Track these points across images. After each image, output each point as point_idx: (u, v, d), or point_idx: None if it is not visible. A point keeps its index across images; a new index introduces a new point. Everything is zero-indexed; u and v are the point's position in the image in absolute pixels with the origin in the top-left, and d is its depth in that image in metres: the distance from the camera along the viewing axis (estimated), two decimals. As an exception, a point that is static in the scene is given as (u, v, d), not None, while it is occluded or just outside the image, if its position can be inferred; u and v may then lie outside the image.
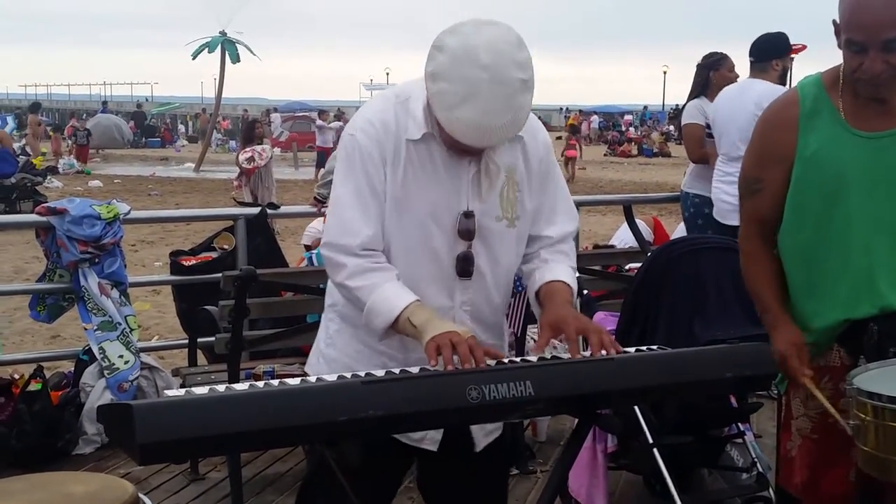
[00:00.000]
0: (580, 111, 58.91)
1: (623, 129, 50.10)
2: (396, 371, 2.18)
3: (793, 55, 5.80)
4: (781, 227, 2.82)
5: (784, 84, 5.74)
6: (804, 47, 5.85)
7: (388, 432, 2.29)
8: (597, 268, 5.73)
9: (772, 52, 5.77)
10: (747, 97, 5.60)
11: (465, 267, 2.41)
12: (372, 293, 2.30)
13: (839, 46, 2.64)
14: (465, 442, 2.54)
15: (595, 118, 55.49)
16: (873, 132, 2.69)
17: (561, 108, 71.67)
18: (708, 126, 6.06)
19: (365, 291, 2.32)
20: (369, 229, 2.34)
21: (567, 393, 2.22)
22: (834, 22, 2.63)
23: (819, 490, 2.85)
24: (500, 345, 2.58)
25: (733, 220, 5.50)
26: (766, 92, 5.53)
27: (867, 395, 2.32)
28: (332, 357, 2.48)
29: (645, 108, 63.83)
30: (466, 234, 2.39)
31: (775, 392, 3.14)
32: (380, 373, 2.16)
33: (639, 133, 46.66)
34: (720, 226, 5.73)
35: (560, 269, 2.51)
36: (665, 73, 73.37)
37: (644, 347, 2.50)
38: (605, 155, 41.36)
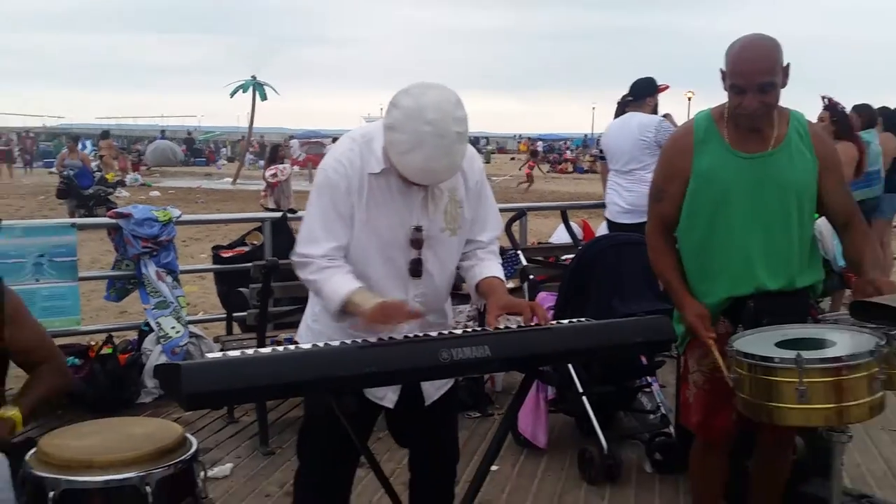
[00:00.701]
0: (529, 138, 58.92)
1: (561, 151, 50.10)
2: (386, 338, 2.17)
3: (659, 93, 5.89)
4: (679, 227, 2.81)
5: (656, 114, 5.80)
6: (667, 87, 5.95)
7: (380, 385, 2.29)
8: (540, 258, 5.73)
9: (645, 92, 5.82)
10: (631, 126, 5.66)
11: (416, 269, 2.41)
12: (326, 283, 2.31)
13: (725, 89, 2.65)
14: (418, 398, 2.53)
15: (540, 143, 55.47)
16: (751, 154, 2.68)
17: (515, 136, 71.76)
18: (600, 150, 6.11)
19: (321, 283, 2.32)
20: (329, 243, 2.33)
21: (516, 354, 2.22)
22: (721, 70, 2.64)
23: (711, 427, 2.85)
24: (444, 323, 2.57)
25: (622, 220, 5.59)
26: (644, 121, 5.62)
27: (744, 355, 2.32)
28: (318, 330, 2.45)
29: (586, 136, 63.73)
30: (417, 243, 2.39)
31: (675, 353, 3.13)
32: (372, 339, 2.15)
33: (574, 154, 46.68)
34: (613, 224, 5.73)
35: (494, 268, 2.53)
36: (594, 108, 73.51)
37: (575, 320, 2.49)
38: (547, 172, 41.38)
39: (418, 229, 2.37)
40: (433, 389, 2.55)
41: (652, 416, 4.37)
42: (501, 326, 2.32)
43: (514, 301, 2.41)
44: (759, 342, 2.39)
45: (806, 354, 2.19)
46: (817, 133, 2.77)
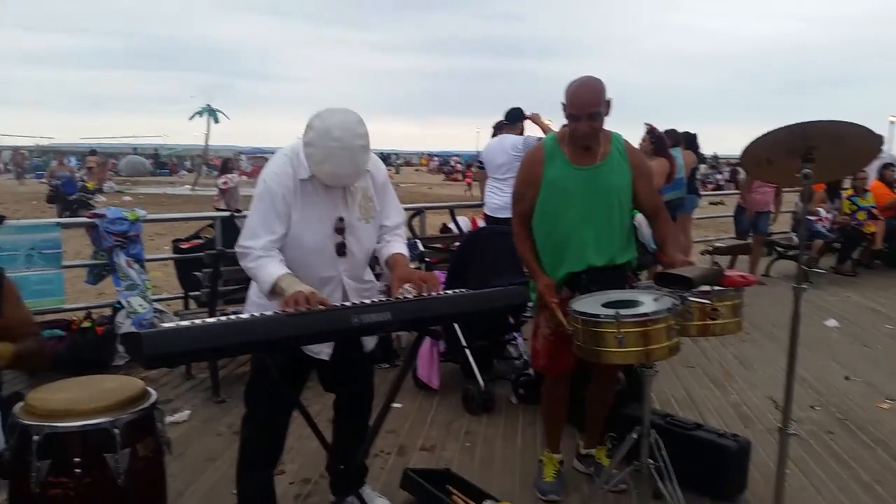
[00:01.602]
0: (429, 154, 58.78)
1: (453, 164, 50.29)
2: (309, 308, 2.14)
3: (525, 120, 6.05)
4: (534, 220, 2.85)
5: (523, 135, 5.92)
6: (531, 115, 6.11)
7: (305, 344, 2.25)
8: (435, 246, 5.75)
9: (517, 118, 5.95)
10: (506, 144, 5.75)
11: (341, 250, 2.40)
12: (261, 270, 2.27)
13: (565, 117, 2.70)
14: (349, 349, 2.52)
15: (436, 159, 55.56)
16: (584, 166, 2.75)
17: (417, 153, 71.53)
18: (480, 162, 6.20)
19: (257, 270, 2.28)
20: (266, 237, 2.29)
21: (411, 317, 2.22)
22: (562, 103, 2.68)
23: (554, 367, 2.92)
24: (370, 286, 2.55)
25: (499, 214, 5.61)
26: (515, 140, 5.74)
27: (579, 313, 2.37)
28: (262, 304, 2.38)
29: (479, 152, 64.01)
30: (340, 230, 2.38)
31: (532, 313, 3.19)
32: (299, 309, 2.12)
33: (463, 167, 46.93)
34: (491, 218, 5.77)
35: (399, 246, 2.53)
36: (477, 132, 73.98)
37: (458, 290, 2.52)
38: (443, 180, 41.60)
39: (341, 220, 2.37)
40: (371, 340, 2.58)
41: (517, 362, 4.47)
42: (401, 296, 2.33)
43: (411, 273, 2.39)
44: (589, 304, 2.46)
45: (623, 312, 2.26)
46: (631, 149, 2.85)
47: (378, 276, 2.66)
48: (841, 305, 6.78)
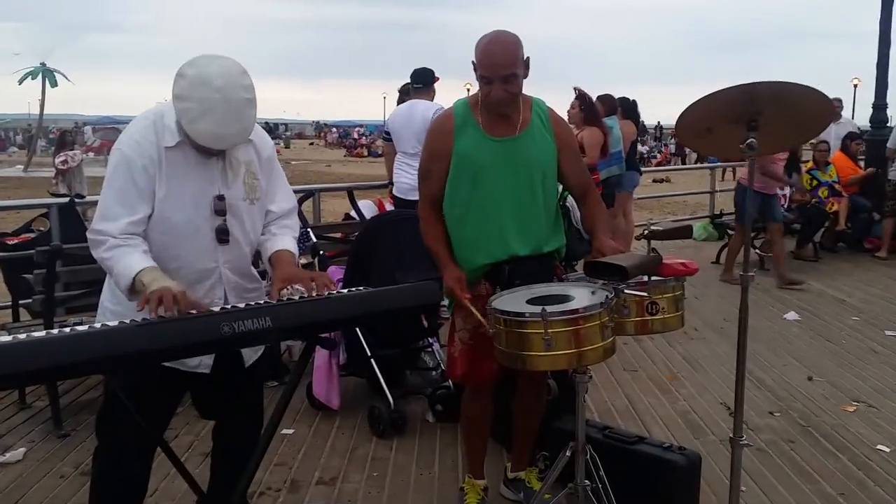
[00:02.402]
0: (326, 124, 58.18)
1: (356, 137, 50.00)
2: (165, 315, 2.09)
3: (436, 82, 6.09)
4: (444, 202, 2.88)
5: (433, 101, 5.96)
6: (439, 79, 6.17)
7: (161, 361, 2.19)
8: (331, 235, 5.71)
9: (429, 80, 5.98)
10: (416, 111, 5.77)
11: (222, 236, 2.36)
12: (119, 262, 2.21)
13: (477, 79, 2.72)
14: (234, 362, 2.48)
15: (335, 130, 55.13)
16: (501, 137, 2.79)
17: (312, 123, 70.72)
18: (387, 133, 6.18)
19: (114, 261, 2.22)
20: (126, 218, 2.23)
21: (295, 324, 2.21)
22: (472, 62, 2.69)
23: (474, 377, 2.96)
24: (257, 286, 2.54)
25: (411, 196, 5.63)
26: (427, 107, 5.77)
27: (500, 312, 2.39)
28: (119, 312, 2.32)
29: (382, 122, 63.78)
30: (220, 212, 2.34)
31: (447, 315, 3.22)
32: (152, 317, 2.06)
33: (368, 140, 46.74)
34: (401, 200, 5.80)
35: (285, 241, 2.51)
36: (384, 97, 73.77)
37: (353, 288, 2.51)
38: (344, 156, 41.27)
39: (220, 198, 2.33)
40: (252, 352, 2.52)
41: (434, 373, 4.50)
42: (285, 298, 2.31)
43: (296, 272, 2.39)
44: (512, 300, 2.49)
45: (550, 308, 2.31)
46: (556, 118, 2.91)
47: (263, 275, 2.63)
48: (801, 296, 7.18)
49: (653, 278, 2.54)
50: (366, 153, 40.98)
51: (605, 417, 4.18)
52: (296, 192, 3.10)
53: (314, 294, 2.30)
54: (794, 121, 2.50)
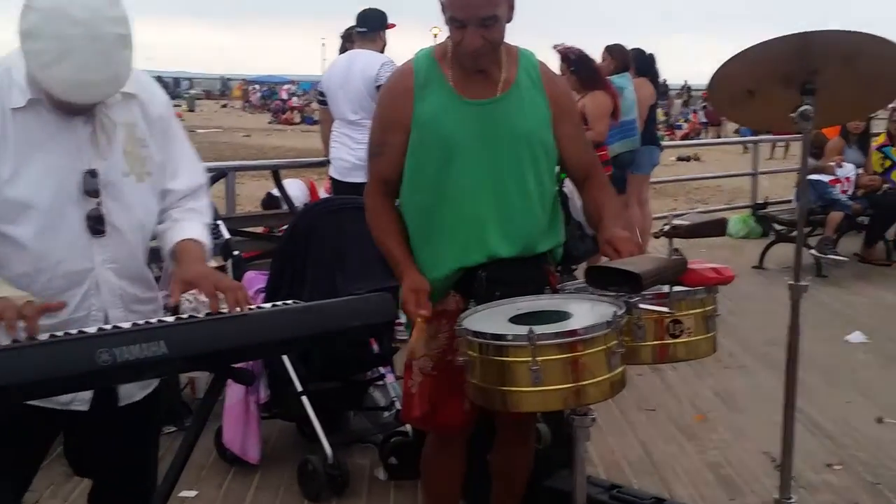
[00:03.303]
0: (245, 81, 57.94)
1: (284, 98, 49.93)
2: (23, 338, 2.05)
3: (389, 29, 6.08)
4: (402, 186, 2.88)
5: (383, 52, 5.97)
6: (394, 25, 6.15)
7: (19, 401, 2.16)
8: (249, 230, 5.69)
9: (378, 24, 5.99)
10: (356, 67, 5.78)
11: (96, 225, 2.31)
12: None
13: (446, 23, 2.71)
14: (112, 399, 2.45)
15: (257, 88, 54.98)
16: (477, 100, 2.79)
17: (222, 77, 70.39)
18: (322, 94, 6.17)
19: None
20: None
21: (200, 350, 2.17)
22: (440, 2, 2.68)
23: (436, 420, 2.95)
24: (152, 297, 2.51)
25: (351, 178, 5.64)
26: (371, 60, 5.76)
27: (473, 333, 2.39)
28: None
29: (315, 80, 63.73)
30: (93, 192, 2.30)
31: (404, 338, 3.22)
32: (5, 341, 2.03)
33: (301, 102, 46.70)
34: (340, 183, 5.84)
35: (191, 228, 2.47)
36: (323, 44, 73.75)
37: (280, 303, 2.50)
38: (269, 123, 41.14)
39: (91, 174, 2.29)
40: (139, 387, 2.49)
41: (386, 414, 4.50)
42: (186, 312, 2.29)
43: (204, 274, 2.34)
44: (491, 318, 2.49)
45: (539, 329, 2.30)
46: (549, 75, 2.92)
47: (158, 280, 2.61)
48: (871, 311, 7.29)
49: (676, 289, 2.56)
50: (298, 119, 40.93)
51: (613, 473, 4.20)
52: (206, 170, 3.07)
53: (224, 310, 2.28)
54: (863, 83, 2.53)
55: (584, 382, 2.32)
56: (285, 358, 4.12)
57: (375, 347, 4.41)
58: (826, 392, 5.38)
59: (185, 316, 2.29)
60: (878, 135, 9.55)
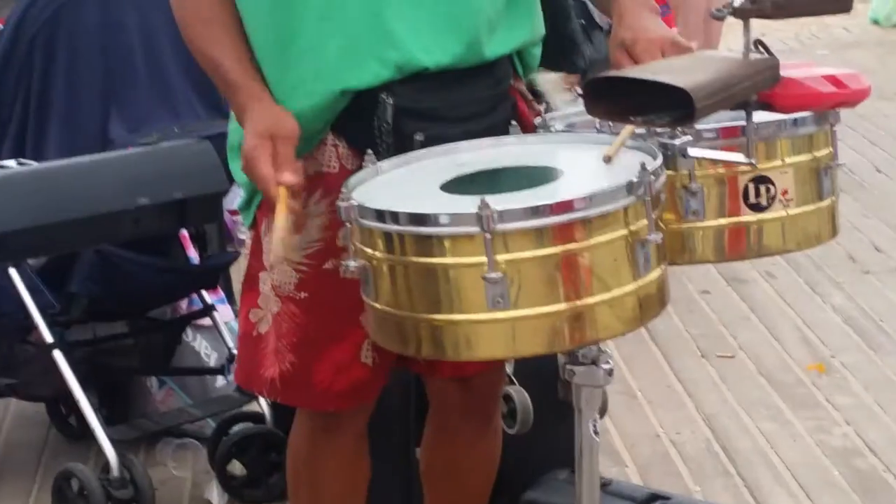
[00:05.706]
0: None
1: None
2: None
3: None
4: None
5: None
6: None
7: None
8: None
9: None
10: None
11: None
12: None
13: None
14: None
15: None
16: None
17: None
18: None
19: None
20: None
21: None
22: None
23: (309, 387, 2.99)
24: None
25: None
26: None
27: (375, 214, 2.40)
28: None
29: None
30: None
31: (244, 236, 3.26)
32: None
33: None
34: None
35: None
36: None
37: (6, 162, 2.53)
38: None
39: None
40: None
41: (221, 382, 4.59)
42: None
43: None
44: (409, 184, 2.57)
45: (497, 200, 2.29)
46: None
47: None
48: None
49: (763, 116, 2.60)
50: None
51: (652, 471, 4.35)
52: None
53: None
54: None
55: (589, 300, 2.36)
56: (14, 275, 4.07)
57: (193, 254, 4.42)
58: None
59: None
60: None
